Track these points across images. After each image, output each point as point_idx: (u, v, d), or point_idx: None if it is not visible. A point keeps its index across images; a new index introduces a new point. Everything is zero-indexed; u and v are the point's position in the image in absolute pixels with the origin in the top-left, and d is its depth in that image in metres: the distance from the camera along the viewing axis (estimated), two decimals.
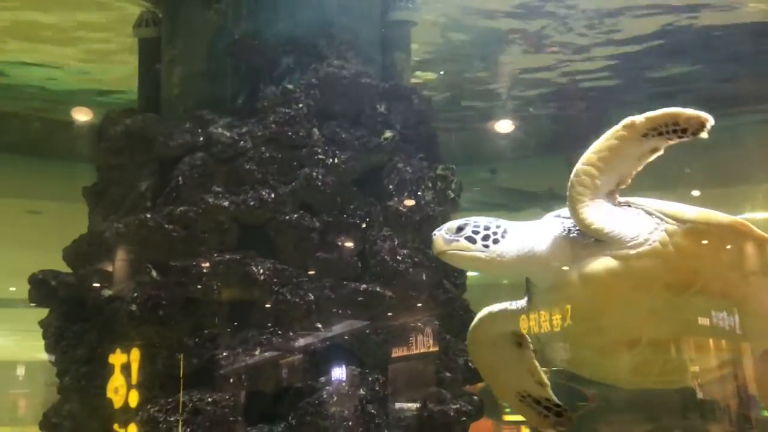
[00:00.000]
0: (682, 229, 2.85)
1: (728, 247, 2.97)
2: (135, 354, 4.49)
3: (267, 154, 5.09)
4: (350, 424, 4.62)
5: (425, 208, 5.32)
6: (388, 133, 5.35)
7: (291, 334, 4.73)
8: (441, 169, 5.65)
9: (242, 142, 5.12)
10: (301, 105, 5.19)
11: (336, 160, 5.13)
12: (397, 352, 4.82)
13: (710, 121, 2.63)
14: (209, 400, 4.52)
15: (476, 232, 2.82)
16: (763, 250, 3.00)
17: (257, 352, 4.66)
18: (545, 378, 3.58)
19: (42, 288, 5.27)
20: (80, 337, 5.09)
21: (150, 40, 6.22)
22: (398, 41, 6.22)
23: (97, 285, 5.05)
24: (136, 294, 4.71)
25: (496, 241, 2.82)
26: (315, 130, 5.21)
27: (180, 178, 5.01)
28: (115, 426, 4.44)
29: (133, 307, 4.68)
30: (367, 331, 4.74)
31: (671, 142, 2.73)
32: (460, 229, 2.86)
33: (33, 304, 5.15)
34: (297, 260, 4.93)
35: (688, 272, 2.93)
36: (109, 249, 5.08)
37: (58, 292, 5.26)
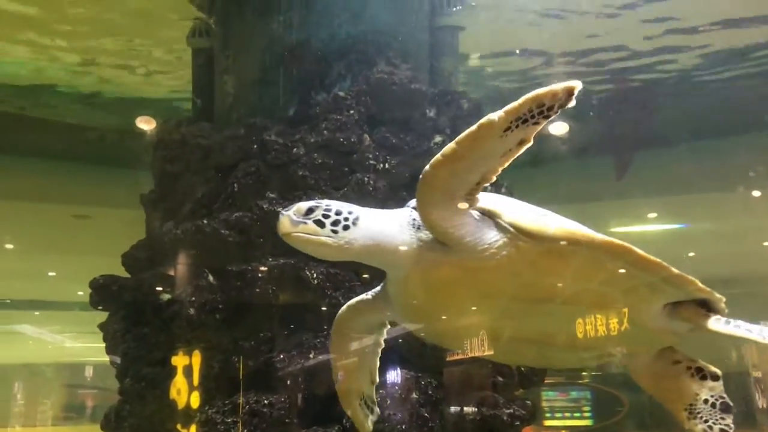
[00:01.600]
0: (537, 247, 2.60)
1: (600, 266, 2.72)
2: (196, 356, 4.60)
3: (319, 161, 5.17)
4: (404, 427, 4.64)
5: None
6: (437, 138, 5.38)
7: None
8: None
9: (295, 149, 5.21)
10: (352, 111, 5.27)
11: (386, 165, 5.18)
12: (450, 356, 4.82)
13: (578, 86, 2.28)
14: (266, 402, 4.60)
15: (326, 216, 2.63)
16: (647, 270, 2.77)
17: (311, 355, 4.72)
18: (377, 375, 3.53)
19: (103, 292, 5.45)
20: (140, 339, 5.24)
21: (203, 50, 6.41)
22: (446, 46, 6.27)
23: (156, 289, 5.20)
24: (193, 298, 4.84)
25: (346, 227, 2.63)
26: (366, 135, 5.28)
27: (235, 185, 5.14)
28: (178, 426, 4.55)
29: (191, 311, 4.81)
30: (422, 334, 4.77)
31: (539, 127, 2.38)
32: (310, 210, 2.65)
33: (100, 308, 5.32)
34: (349, 265, 4.98)
35: (546, 287, 2.74)
36: (167, 254, 5.22)
37: (118, 296, 5.43)
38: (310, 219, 2.62)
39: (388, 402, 4.65)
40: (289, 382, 4.65)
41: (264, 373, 4.75)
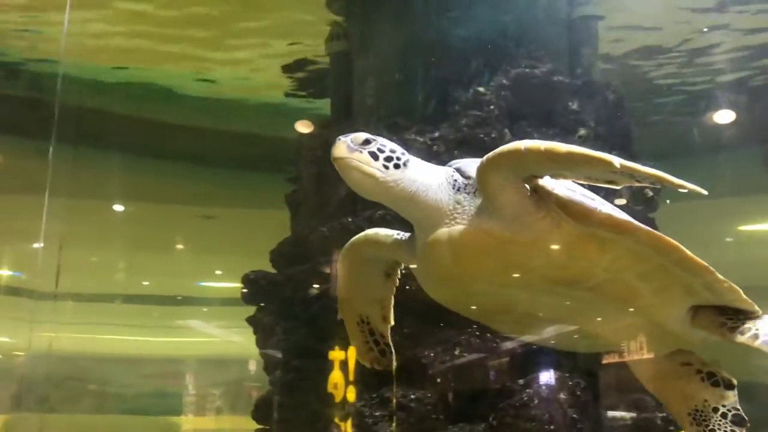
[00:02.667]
0: (579, 230, 2.48)
1: (640, 260, 2.56)
2: (351, 351, 4.72)
3: (460, 157, 5.15)
4: (551, 428, 4.55)
5: (622, 207, 5.11)
6: (581, 131, 5.23)
7: (490, 335, 4.75)
8: None
9: (435, 147, 5.23)
10: (492, 107, 5.23)
11: None
12: (606, 359, 4.67)
13: (703, 193, 2.24)
14: (412, 397, 4.65)
15: (381, 150, 2.54)
16: (690, 272, 2.57)
17: (457, 352, 4.72)
18: (392, 316, 3.31)
19: (253, 287, 5.73)
20: (289, 333, 5.46)
21: (341, 53, 6.59)
22: (585, 37, 6.07)
23: (304, 284, 5.39)
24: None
25: (396, 166, 2.56)
26: (506, 130, 5.22)
27: None
28: (336, 419, 4.70)
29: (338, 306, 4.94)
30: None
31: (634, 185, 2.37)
32: (366, 142, 2.57)
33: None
34: None
35: (577, 271, 2.57)
36: (313, 251, 5.41)
37: (268, 291, 5.69)
38: (365, 149, 2.54)
39: (536, 401, 4.58)
40: (434, 379, 4.67)
41: (408, 369, 4.80)
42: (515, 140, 5.16)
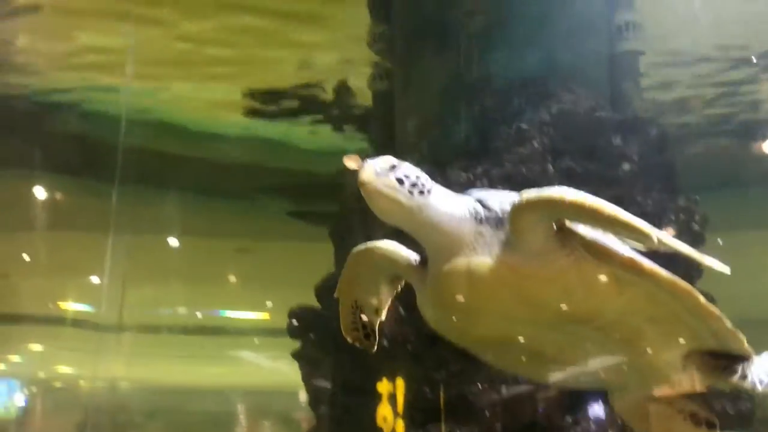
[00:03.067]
0: (600, 269, 2.50)
1: (654, 303, 2.56)
2: (400, 384, 4.79)
3: None
4: None
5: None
6: (626, 166, 5.24)
7: None
8: (683, 201, 5.40)
9: (478, 182, 5.30)
10: (535, 143, 5.29)
11: None
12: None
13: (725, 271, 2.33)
14: None
15: (407, 177, 2.54)
16: (701, 319, 2.58)
17: (503, 389, 4.74)
18: (384, 312, 3.30)
19: (299, 321, 5.86)
20: (335, 367, 5.55)
21: (383, 91, 6.77)
22: (627, 72, 6.12)
23: None
24: (386, 329, 5.04)
25: (421, 193, 2.56)
26: (550, 166, 5.26)
27: None
28: None
29: (384, 342, 5.01)
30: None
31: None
32: (393, 167, 2.58)
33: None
34: None
35: (590, 310, 2.58)
36: None
37: (313, 325, 5.80)
38: (392, 174, 2.56)
39: None
40: (482, 415, 4.69)
41: (455, 405, 4.82)
42: (559, 176, 5.16)
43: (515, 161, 5.29)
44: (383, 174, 2.56)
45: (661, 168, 5.43)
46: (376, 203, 2.58)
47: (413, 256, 2.97)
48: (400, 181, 2.57)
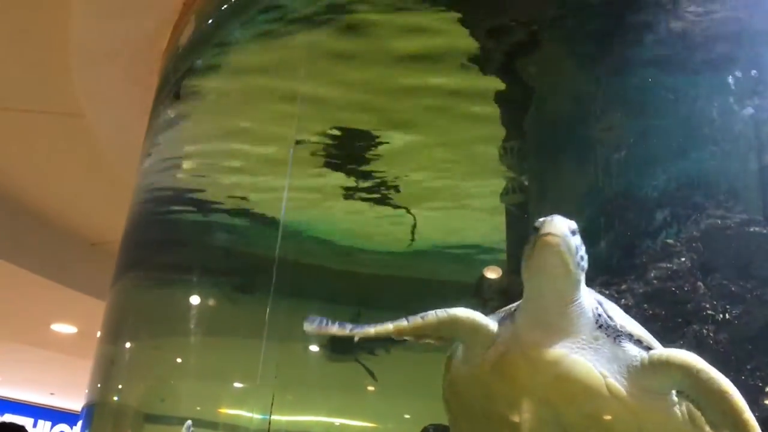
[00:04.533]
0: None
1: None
2: None
3: (650, 311, 5.06)
4: None
5: None
6: None
7: None
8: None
9: (623, 300, 5.17)
10: (683, 259, 5.12)
11: (727, 316, 4.86)
12: None
13: None
14: None
15: (579, 248, 2.57)
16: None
17: None
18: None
19: None
20: None
21: (516, 204, 6.86)
22: None
23: None
24: None
25: (582, 269, 2.60)
26: (700, 283, 5.06)
27: None
28: None
29: None
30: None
31: None
32: (573, 232, 2.59)
33: None
34: None
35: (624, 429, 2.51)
36: None
37: None
38: (575, 239, 2.58)
39: None
40: None
41: None
42: (711, 294, 4.98)
43: (662, 278, 5.13)
44: (571, 235, 2.59)
45: None
46: (550, 258, 2.57)
47: (491, 324, 2.88)
48: (577, 249, 2.62)
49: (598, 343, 2.60)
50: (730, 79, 5.72)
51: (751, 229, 5.11)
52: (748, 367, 4.77)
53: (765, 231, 5.16)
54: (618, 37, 6.01)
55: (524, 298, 2.69)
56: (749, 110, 6.01)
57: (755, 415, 3.21)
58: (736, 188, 5.52)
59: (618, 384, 2.45)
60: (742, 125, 5.96)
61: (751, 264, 5.09)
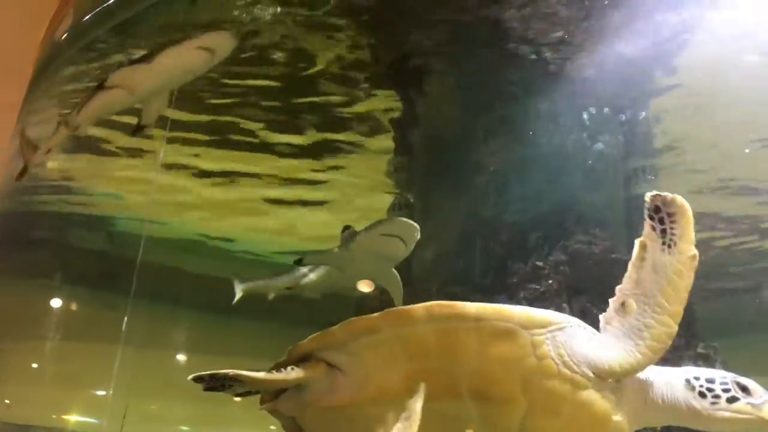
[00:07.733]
0: None
1: None
2: None
3: None
4: None
5: None
6: None
7: None
8: (701, 348, 5.30)
9: None
10: (550, 281, 5.30)
11: None
12: None
13: None
14: None
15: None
16: None
17: None
18: None
19: None
20: None
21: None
22: (643, 215, 6.18)
23: None
24: None
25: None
26: (565, 305, 5.23)
27: None
28: None
29: None
30: None
31: None
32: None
33: None
34: None
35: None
36: None
37: None
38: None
39: None
40: None
41: None
42: (574, 315, 5.03)
43: (530, 298, 5.27)
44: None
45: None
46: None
47: None
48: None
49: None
50: (603, 114, 6.09)
51: (613, 256, 5.37)
52: None
53: (626, 258, 5.42)
54: (503, 67, 6.21)
55: None
56: (618, 144, 6.38)
57: None
58: (603, 217, 5.81)
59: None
60: (613, 158, 6.30)
61: (612, 288, 5.33)
